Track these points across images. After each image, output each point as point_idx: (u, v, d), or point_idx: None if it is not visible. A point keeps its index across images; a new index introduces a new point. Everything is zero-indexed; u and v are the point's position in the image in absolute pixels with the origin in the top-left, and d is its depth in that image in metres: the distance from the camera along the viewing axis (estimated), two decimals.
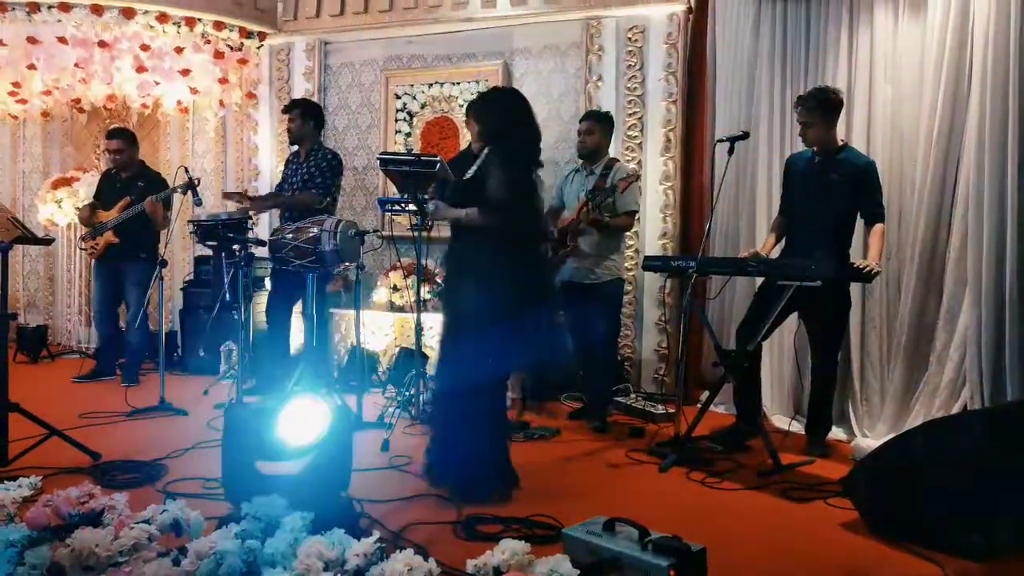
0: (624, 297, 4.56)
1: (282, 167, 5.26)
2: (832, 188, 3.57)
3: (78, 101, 6.03)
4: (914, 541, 2.47)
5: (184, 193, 4.57)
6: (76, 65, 5.52)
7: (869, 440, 3.73)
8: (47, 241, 4.48)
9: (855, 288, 3.78)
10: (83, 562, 1.99)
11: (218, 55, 5.81)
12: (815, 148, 3.68)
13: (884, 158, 4.02)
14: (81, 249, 5.36)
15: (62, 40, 5.40)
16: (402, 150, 5.65)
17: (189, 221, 4.93)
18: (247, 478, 2.38)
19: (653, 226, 5.03)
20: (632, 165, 4.91)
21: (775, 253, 3.87)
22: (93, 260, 5.20)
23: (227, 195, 4.84)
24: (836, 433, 3.94)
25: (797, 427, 3.91)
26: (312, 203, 4.62)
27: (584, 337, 4.20)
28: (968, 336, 3.67)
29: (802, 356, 4.01)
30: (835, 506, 2.86)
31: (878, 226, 3.53)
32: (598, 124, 4.21)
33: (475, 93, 5.39)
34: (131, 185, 5.07)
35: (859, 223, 3.68)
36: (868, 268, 3.31)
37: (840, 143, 3.66)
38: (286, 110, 4.88)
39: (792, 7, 4.42)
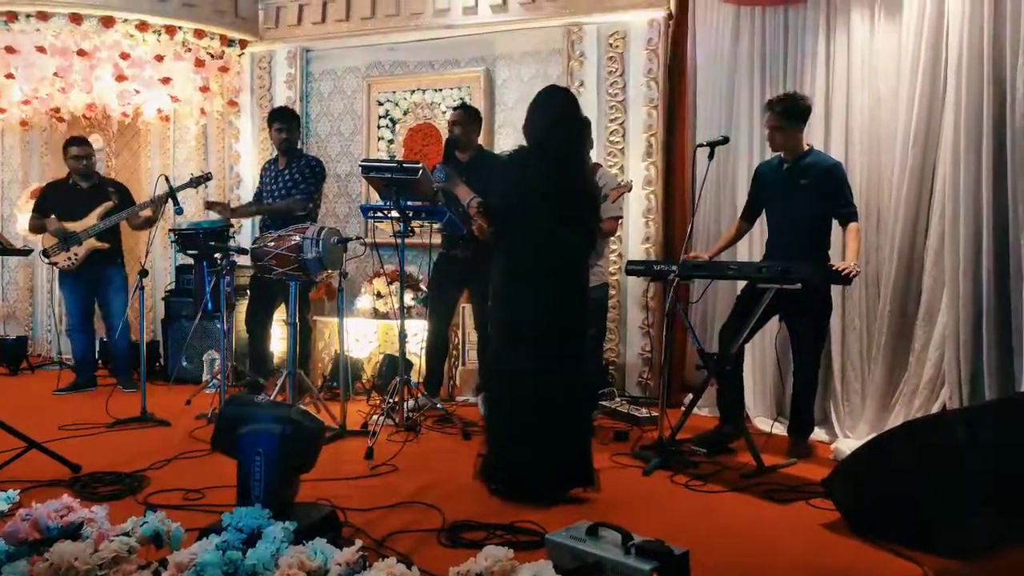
0: (608, 301, 4.58)
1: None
2: (802, 192, 3.61)
3: (57, 110, 5.98)
4: (895, 540, 2.49)
5: (165, 201, 4.54)
6: (55, 74, 5.49)
7: (851, 441, 3.76)
8: (25, 252, 4.44)
9: (835, 290, 3.81)
10: None
11: (199, 63, 5.79)
12: (782, 154, 3.72)
13: (862, 161, 4.07)
14: (50, 263, 5.04)
15: (40, 49, 5.36)
16: (385, 157, 5.65)
17: (170, 230, 4.92)
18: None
19: (636, 231, 5.06)
20: (614, 170, 4.94)
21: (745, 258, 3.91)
22: (61, 273, 5.05)
23: (209, 205, 4.81)
24: (818, 434, 3.97)
25: (780, 429, 3.95)
26: (296, 209, 4.62)
27: None
28: (946, 336, 3.72)
29: (784, 358, 4.04)
30: (817, 507, 2.88)
31: (852, 225, 3.57)
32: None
33: (457, 100, 5.41)
34: (99, 193, 5.01)
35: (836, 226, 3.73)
36: (846, 270, 3.34)
37: (806, 147, 3.70)
38: (279, 119, 4.84)
39: (770, 14, 4.47)
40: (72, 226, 4.94)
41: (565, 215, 3.01)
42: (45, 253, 4.98)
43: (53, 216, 4.96)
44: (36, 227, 5.05)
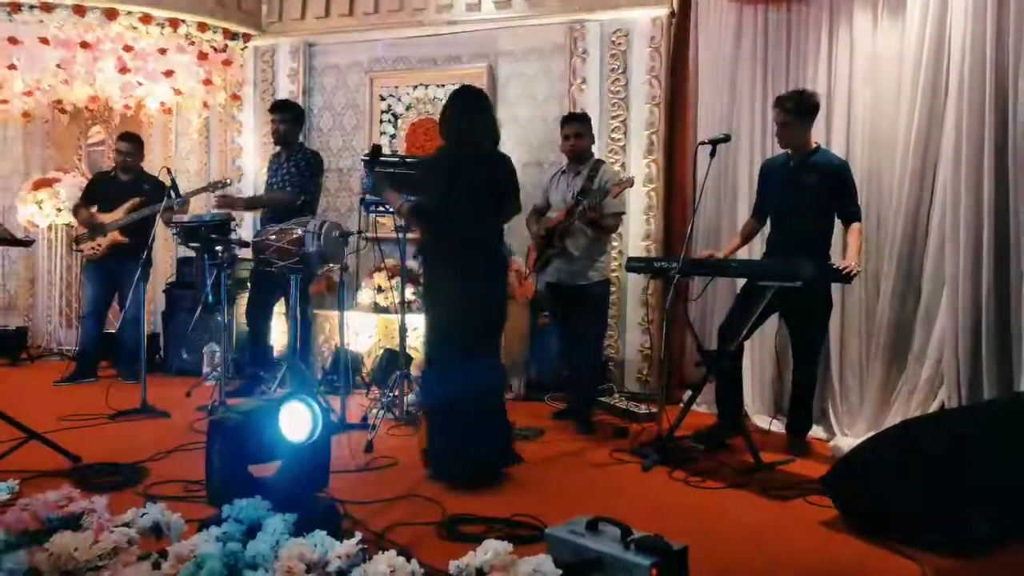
0: (610, 298, 4.58)
1: (265, 169, 5.26)
2: (808, 190, 3.61)
3: (60, 102, 5.99)
4: (893, 538, 2.50)
5: (172, 197, 4.54)
6: (58, 66, 5.49)
7: (849, 439, 3.77)
8: (27, 243, 4.45)
9: (835, 288, 3.81)
10: (62, 566, 1.97)
11: (202, 56, 5.78)
12: (789, 151, 3.72)
13: (863, 160, 4.07)
14: (76, 251, 5.30)
15: (44, 40, 5.36)
16: (387, 151, 5.65)
17: (172, 222, 4.92)
18: (231, 481, 2.37)
19: (636, 227, 5.06)
20: (616, 167, 4.94)
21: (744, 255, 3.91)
22: (86, 261, 5.20)
23: (221, 203, 4.79)
24: (816, 432, 3.97)
25: (778, 426, 3.95)
26: (284, 201, 4.64)
27: (571, 338, 4.24)
28: (945, 336, 3.72)
29: (783, 356, 4.05)
30: (815, 504, 2.89)
31: (855, 225, 3.58)
32: (584, 126, 4.22)
33: None
34: (135, 187, 5.14)
35: (838, 225, 3.73)
36: (847, 269, 3.35)
37: (814, 145, 3.70)
38: (276, 110, 4.86)
39: (773, 11, 4.46)
40: (103, 217, 5.07)
41: (486, 209, 3.23)
42: (76, 240, 5.21)
43: (95, 207, 5.14)
44: (76, 214, 5.28)
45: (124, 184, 5.20)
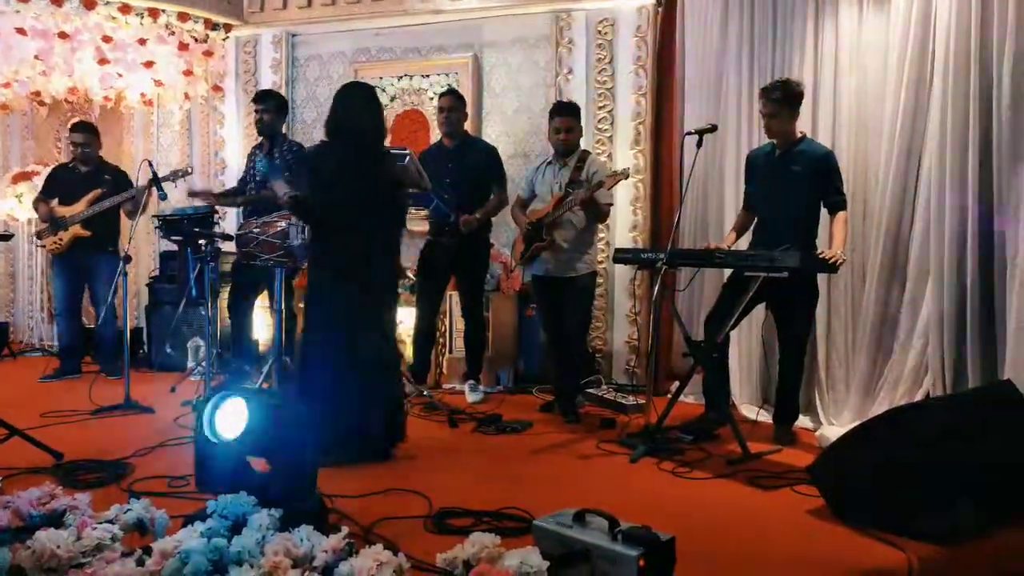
0: (596, 290, 4.58)
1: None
2: (794, 179, 3.62)
3: (38, 94, 5.89)
4: (879, 527, 2.51)
5: (147, 191, 4.50)
6: (36, 57, 5.40)
7: (835, 428, 3.79)
8: (6, 237, 4.40)
9: (821, 278, 3.83)
10: (44, 564, 1.94)
11: (183, 47, 5.71)
12: (775, 141, 3.73)
13: (849, 150, 4.08)
14: (39, 246, 5.18)
15: (21, 31, 5.26)
16: None
17: (154, 216, 4.87)
18: (219, 469, 2.37)
19: (623, 219, 5.06)
20: (603, 158, 4.93)
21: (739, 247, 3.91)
22: (52, 256, 5.08)
23: (193, 194, 4.74)
24: (803, 421, 3.99)
25: (765, 416, 3.97)
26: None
27: (557, 330, 4.23)
28: (930, 325, 3.75)
29: (770, 346, 4.06)
30: (802, 493, 2.90)
31: (841, 214, 3.59)
32: (575, 119, 4.19)
33: (445, 86, 5.38)
34: (96, 178, 5.00)
35: (824, 214, 3.74)
36: (833, 258, 3.36)
37: (799, 135, 3.71)
38: (260, 100, 4.79)
39: (759, 2, 4.46)
40: (62, 211, 4.94)
41: (374, 202, 3.25)
42: (39, 235, 5.03)
43: (56, 200, 4.98)
44: (36, 208, 5.11)
45: (84, 176, 5.05)
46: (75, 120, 5.44)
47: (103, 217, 4.95)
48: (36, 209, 5.13)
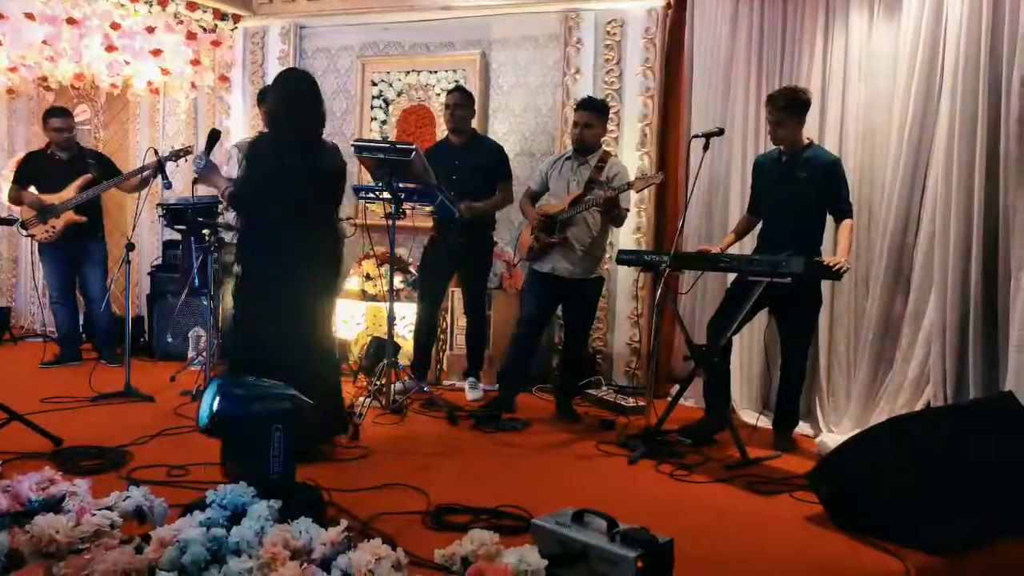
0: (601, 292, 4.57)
1: None
2: (800, 186, 3.61)
3: (45, 79, 5.87)
4: (877, 535, 2.51)
5: (155, 174, 4.47)
6: (44, 42, 5.38)
7: (835, 435, 3.78)
8: (9, 221, 4.39)
9: (825, 285, 3.82)
10: (43, 549, 1.94)
11: (191, 36, 5.70)
12: (782, 147, 3.72)
13: (856, 157, 4.08)
14: (28, 235, 4.96)
15: (29, 16, 5.25)
16: (378, 137, 5.61)
17: (158, 204, 4.86)
18: None
19: (628, 220, 5.01)
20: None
21: (736, 251, 3.91)
22: (40, 244, 4.98)
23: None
24: (803, 428, 3.99)
25: (765, 422, 3.96)
26: None
27: (537, 324, 4.18)
28: (932, 334, 3.74)
29: (771, 352, 4.06)
30: (801, 500, 2.90)
31: (846, 222, 3.58)
32: (599, 117, 4.10)
33: (452, 82, 5.37)
34: (80, 164, 4.96)
35: (829, 221, 3.73)
36: (837, 266, 3.35)
37: (806, 141, 3.70)
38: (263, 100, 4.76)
39: (769, 6, 4.45)
40: (50, 198, 4.88)
41: (311, 194, 3.22)
42: (23, 225, 4.91)
43: (32, 188, 4.90)
44: (15, 198, 5.00)
45: (66, 163, 4.97)
46: (52, 106, 5.28)
47: (92, 202, 4.92)
48: (15, 200, 4.97)
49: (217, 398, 2.44)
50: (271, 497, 2.19)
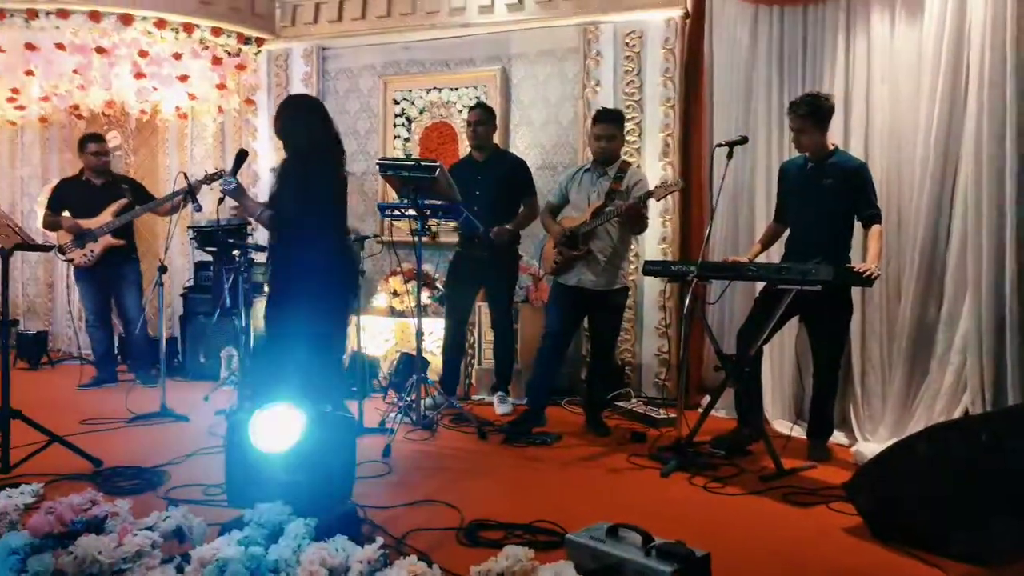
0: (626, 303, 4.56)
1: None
2: (826, 192, 3.58)
3: (76, 107, 6.02)
4: (917, 546, 2.47)
5: (186, 197, 4.54)
6: (74, 71, 5.53)
7: (871, 444, 3.73)
8: (47, 248, 4.48)
9: (855, 292, 3.78)
10: (86, 569, 1.98)
11: (216, 61, 5.81)
12: (807, 154, 3.69)
13: (882, 161, 4.04)
14: (66, 260, 5.08)
15: (60, 46, 5.40)
16: (401, 155, 5.66)
17: (189, 227, 4.94)
18: (251, 482, 2.38)
19: (653, 231, 5.02)
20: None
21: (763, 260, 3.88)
22: (76, 269, 5.10)
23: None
24: (837, 437, 3.94)
25: (799, 432, 3.91)
26: None
27: (564, 337, 4.17)
28: (968, 340, 3.68)
29: (803, 360, 4.01)
30: (838, 511, 2.86)
31: (875, 227, 3.54)
32: (618, 128, 4.10)
33: (473, 99, 5.41)
34: (115, 189, 5.08)
35: (858, 227, 3.69)
36: (867, 272, 3.31)
37: (831, 147, 3.67)
38: None
39: (789, 13, 4.43)
40: (86, 223, 4.99)
41: (340, 219, 3.43)
42: (61, 250, 5.02)
43: (67, 213, 5.02)
44: (50, 224, 5.12)
45: (100, 188, 5.09)
46: (88, 132, 5.43)
47: (127, 227, 5.05)
48: (51, 226, 5.08)
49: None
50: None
